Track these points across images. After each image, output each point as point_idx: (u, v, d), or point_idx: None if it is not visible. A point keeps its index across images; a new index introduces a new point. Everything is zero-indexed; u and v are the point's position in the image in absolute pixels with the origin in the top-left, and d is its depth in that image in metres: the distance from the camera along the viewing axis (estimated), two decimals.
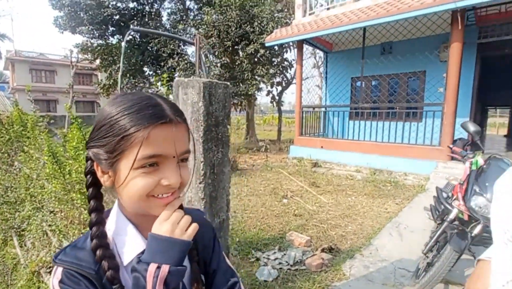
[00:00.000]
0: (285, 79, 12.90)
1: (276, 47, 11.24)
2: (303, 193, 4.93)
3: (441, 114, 5.59)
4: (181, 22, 14.52)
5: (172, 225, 0.54)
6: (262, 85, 12.44)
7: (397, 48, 7.36)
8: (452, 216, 2.20)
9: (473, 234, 2.06)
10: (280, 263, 2.80)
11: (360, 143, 6.70)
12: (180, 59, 13.28)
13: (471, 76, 6.54)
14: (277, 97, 12.97)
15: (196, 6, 15.71)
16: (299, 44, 7.79)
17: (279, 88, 13.02)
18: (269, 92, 12.77)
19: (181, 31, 14.17)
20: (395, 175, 5.83)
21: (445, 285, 2.38)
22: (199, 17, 14.41)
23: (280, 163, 7.76)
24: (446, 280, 2.41)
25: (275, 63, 12.00)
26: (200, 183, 1.72)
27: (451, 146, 2.69)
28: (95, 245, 0.54)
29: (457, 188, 2.32)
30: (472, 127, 2.34)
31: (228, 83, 1.91)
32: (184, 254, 0.54)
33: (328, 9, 7.65)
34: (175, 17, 15.69)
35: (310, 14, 7.93)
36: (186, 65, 12.13)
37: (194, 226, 0.57)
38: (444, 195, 2.56)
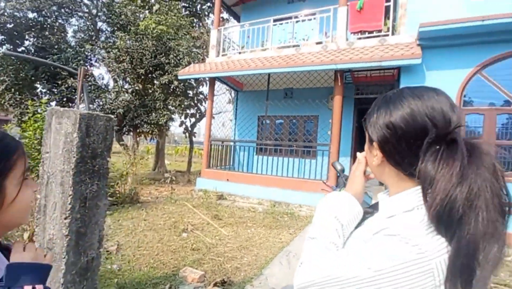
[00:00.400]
0: (199, 111, 13.08)
1: (192, 80, 11.45)
2: (205, 226, 4.87)
3: (328, 153, 6.54)
4: (90, 42, 13.45)
5: (34, 253, 0.63)
6: (176, 115, 12.29)
7: (296, 93, 8.47)
8: None
9: None
10: None
11: (263, 177, 7.16)
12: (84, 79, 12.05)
13: (350, 123, 7.97)
14: (189, 128, 12.94)
15: (109, 29, 14.89)
16: (212, 81, 8.16)
17: (193, 119, 13.08)
18: (182, 123, 12.66)
19: (89, 51, 13.06)
20: (292, 207, 6.39)
21: None
22: (110, 40, 13.64)
23: (187, 195, 7.55)
24: None
25: (190, 95, 12.13)
26: (65, 218, 1.56)
27: (324, 181, 3.16)
28: None
29: None
30: (338, 166, 2.82)
31: (112, 116, 1.85)
32: (47, 276, 0.63)
33: (239, 53, 8.36)
34: (82, 35, 14.46)
35: (223, 55, 8.49)
36: (90, 87, 11.08)
37: (51, 253, 0.72)
38: None
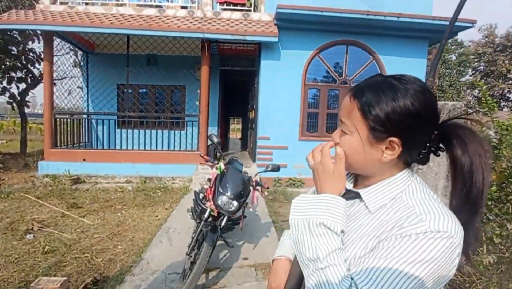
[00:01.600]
0: (31, 75, 9.97)
1: (16, 33, 8.54)
2: (59, 220, 4.04)
3: (197, 123, 6.57)
4: None
5: None
6: None
7: (161, 61, 7.83)
8: (206, 215, 2.60)
9: (221, 226, 2.56)
10: None
11: (129, 152, 6.48)
12: None
13: (217, 95, 8.19)
14: (18, 97, 9.78)
15: None
16: (48, 36, 6.33)
17: (23, 85, 9.89)
18: (4, 90, 9.39)
19: None
20: (165, 180, 6.18)
21: (206, 274, 2.78)
22: None
23: (25, 185, 5.94)
24: (207, 269, 2.83)
25: (14, 52, 9.02)
26: None
27: (202, 154, 3.19)
28: None
29: (208, 191, 2.78)
30: (215, 139, 2.90)
31: None
32: None
33: (86, 4, 6.77)
34: None
35: (62, 3, 6.66)
36: None
37: None
38: (201, 196, 3.00)
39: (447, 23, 6.16)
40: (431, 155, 0.69)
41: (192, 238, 2.67)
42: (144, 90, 8.11)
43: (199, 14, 6.46)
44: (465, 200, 0.62)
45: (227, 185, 2.61)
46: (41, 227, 3.73)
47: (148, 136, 6.78)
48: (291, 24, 6.17)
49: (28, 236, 3.47)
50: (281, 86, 6.43)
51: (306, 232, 0.63)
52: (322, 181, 0.67)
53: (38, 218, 4.07)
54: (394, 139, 0.62)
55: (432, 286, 0.56)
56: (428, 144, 0.67)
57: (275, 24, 6.20)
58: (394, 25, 6.14)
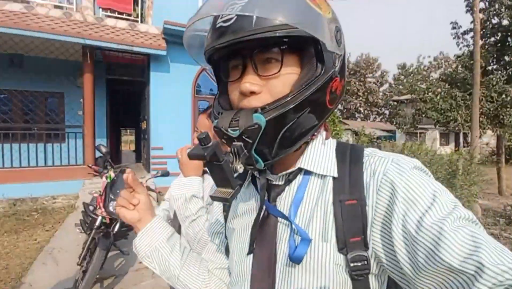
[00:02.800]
0: None
1: None
2: None
3: (82, 135, 6.07)
4: None
5: None
6: None
7: (30, 63, 6.79)
8: (98, 222, 2.68)
9: (114, 232, 2.69)
10: None
11: None
12: None
13: (104, 104, 7.69)
14: None
15: None
16: None
17: None
18: None
19: None
20: (42, 201, 5.46)
21: (100, 283, 2.83)
22: None
23: None
24: (101, 278, 2.87)
25: None
26: None
27: (90, 165, 3.20)
28: None
29: (99, 199, 2.85)
30: (104, 149, 2.99)
31: None
32: None
33: None
34: None
35: None
36: None
37: None
38: (91, 208, 3.00)
39: None
40: None
41: (83, 248, 2.69)
42: (5, 95, 6.84)
43: (79, 18, 6.03)
44: None
45: (117, 191, 2.76)
46: None
47: (15, 150, 5.78)
48: (179, 40, 6.51)
49: None
50: (172, 97, 6.66)
51: (183, 200, 1.04)
52: (184, 170, 1.10)
53: None
54: None
55: None
56: None
57: (163, 38, 6.42)
58: None
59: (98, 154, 5.72)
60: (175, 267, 0.65)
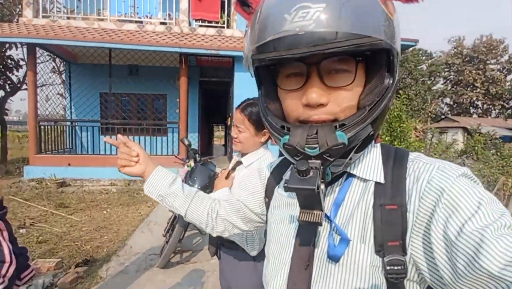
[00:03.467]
0: (9, 82, 10.14)
1: None
2: (49, 217, 4.47)
3: (178, 130, 7.11)
4: None
5: None
6: None
7: (143, 71, 8.32)
8: None
9: None
10: None
11: (113, 157, 6.91)
12: None
13: (196, 103, 8.76)
14: None
15: None
16: (32, 49, 6.72)
17: (1, 92, 10.04)
18: None
19: None
20: None
21: (180, 254, 3.34)
22: None
23: (11, 189, 6.24)
24: (181, 250, 3.40)
25: None
26: None
27: (175, 155, 3.77)
28: None
29: None
30: (186, 141, 3.49)
31: None
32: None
33: (68, 18, 7.21)
34: None
35: (44, 17, 7.06)
36: None
37: None
38: None
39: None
40: None
41: (168, 223, 3.24)
42: (126, 98, 8.57)
43: (177, 30, 7.05)
44: None
45: (195, 178, 3.20)
46: (32, 223, 4.16)
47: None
48: None
49: (21, 230, 3.91)
50: (252, 96, 7.06)
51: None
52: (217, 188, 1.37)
53: (29, 216, 4.48)
54: (266, 130, 1.26)
55: None
56: None
57: None
58: None
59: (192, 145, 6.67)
60: (181, 208, 0.79)
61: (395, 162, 0.53)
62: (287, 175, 0.65)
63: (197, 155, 3.73)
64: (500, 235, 0.38)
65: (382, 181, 0.51)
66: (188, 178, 3.19)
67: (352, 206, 0.52)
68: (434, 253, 0.43)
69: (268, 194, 0.69)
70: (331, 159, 0.46)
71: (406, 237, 0.47)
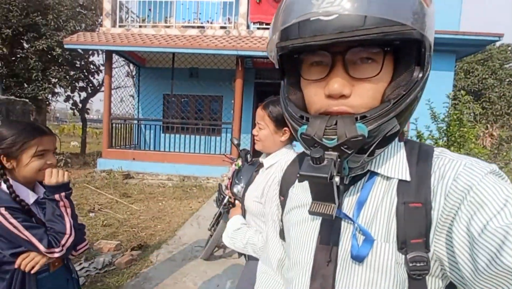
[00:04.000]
0: (91, 84, 11.69)
1: (79, 49, 10.19)
2: (114, 205, 4.94)
3: (231, 130, 7.29)
4: None
5: (57, 177, 1.09)
6: (59, 89, 10.64)
7: (202, 73, 8.78)
8: (225, 200, 3.20)
9: None
10: (87, 271, 2.86)
11: (171, 154, 7.41)
12: None
13: (251, 104, 8.90)
14: (79, 104, 11.50)
15: None
16: (109, 54, 7.61)
17: (83, 94, 11.62)
18: (69, 98, 11.09)
19: None
20: (200, 179, 6.95)
21: (224, 249, 3.37)
22: None
23: (86, 178, 7.10)
24: (224, 245, 3.41)
25: (78, 65, 10.70)
26: None
27: (225, 154, 3.83)
28: (11, 191, 1.04)
29: (228, 182, 3.39)
30: (235, 141, 3.52)
31: (27, 100, 1.95)
32: (68, 187, 1.14)
33: (140, 26, 7.99)
34: None
35: (120, 26, 7.94)
36: None
37: (67, 174, 1.14)
38: (223, 187, 3.61)
39: (473, 37, 6.25)
40: None
41: (213, 218, 3.28)
42: (186, 99, 9.13)
43: (235, 33, 7.27)
44: None
45: (241, 177, 3.17)
46: (100, 208, 4.64)
47: (188, 140, 7.67)
48: None
49: (91, 214, 4.38)
50: None
51: (241, 246, 1.26)
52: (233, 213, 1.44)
53: (98, 202, 5.02)
54: (286, 128, 1.20)
55: None
56: None
57: None
58: None
59: (243, 145, 6.79)
60: None
61: (419, 158, 0.51)
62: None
63: (248, 155, 3.74)
64: None
65: (408, 178, 0.49)
66: (235, 177, 3.20)
67: (376, 205, 0.50)
68: (455, 249, 0.42)
69: (283, 192, 0.67)
70: (349, 152, 0.44)
71: (430, 234, 0.46)
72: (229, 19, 7.77)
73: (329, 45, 0.42)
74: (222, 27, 7.68)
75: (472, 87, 15.50)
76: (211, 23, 7.67)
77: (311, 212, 0.47)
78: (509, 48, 16.47)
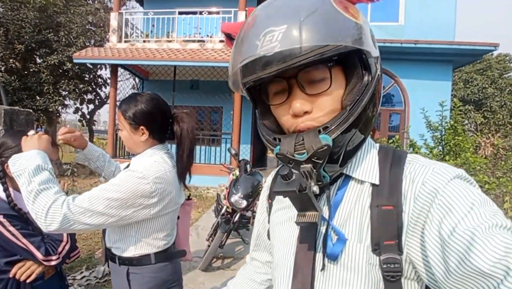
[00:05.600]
0: (98, 97, 12.04)
1: (88, 63, 10.52)
2: None
3: (230, 141, 7.44)
4: None
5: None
6: (68, 101, 11.01)
7: (202, 85, 9.01)
8: (223, 210, 3.32)
9: (234, 221, 3.24)
10: (87, 280, 2.97)
11: None
12: None
13: (250, 115, 9.06)
14: (87, 116, 11.83)
15: None
16: (114, 68, 7.88)
17: (91, 106, 11.97)
18: (78, 109, 11.45)
19: None
20: (200, 189, 7.08)
21: (222, 260, 3.46)
22: None
23: (91, 187, 7.24)
24: (223, 256, 3.51)
25: (86, 78, 11.05)
26: None
27: (223, 164, 3.96)
28: (10, 200, 1.09)
29: (225, 192, 3.51)
30: (232, 151, 3.66)
31: (31, 110, 2.11)
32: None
33: (144, 41, 8.28)
34: None
35: (125, 42, 8.23)
36: None
37: (65, 183, 1.20)
38: (222, 198, 3.73)
39: (468, 47, 6.39)
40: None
41: (211, 228, 3.40)
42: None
43: None
44: (179, 152, 1.20)
45: (238, 187, 3.31)
46: None
47: None
48: None
49: None
50: None
51: (26, 175, 0.97)
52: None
53: None
54: (143, 127, 1.14)
55: None
56: (167, 127, 1.21)
57: None
58: (414, 51, 6.50)
59: (242, 156, 6.91)
60: None
61: (392, 163, 0.54)
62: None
63: (247, 166, 3.87)
64: (491, 234, 0.39)
65: (377, 182, 0.53)
66: (232, 186, 3.32)
67: (349, 207, 0.54)
68: (427, 252, 0.45)
69: (271, 196, 0.72)
70: (320, 162, 0.48)
71: (402, 236, 0.48)
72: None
73: (281, 73, 0.47)
74: (221, 41, 7.91)
75: (472, 97, 15.51)
76: (211, 37, 7.92)
77: (297, 223, 0.50)
78: (507, 58, 16.54)
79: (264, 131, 0.57)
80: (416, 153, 2.82)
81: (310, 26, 0.45)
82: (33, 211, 0.93)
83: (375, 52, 0.52)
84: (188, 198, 1.40)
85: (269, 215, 0.72)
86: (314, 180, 0.48)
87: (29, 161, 0.97)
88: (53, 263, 1.13)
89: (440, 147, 3.38)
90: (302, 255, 0.56)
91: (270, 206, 0.72)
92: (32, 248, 1.08)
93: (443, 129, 3.30)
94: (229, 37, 0.62)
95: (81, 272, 3.09)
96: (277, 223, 0.66)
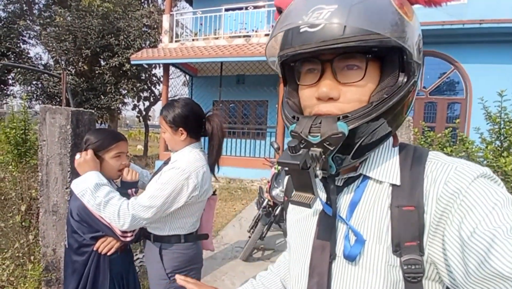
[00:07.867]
0: (153, 94, 12.99)
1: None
2: None
3: (275, 134, 7.43)
4: (23, 17, 12.27)
5: (132, 176, 1.41)
6: (127, 99, 12.09)
7: (248, 80, 9.12)
8: (264, 203, 3.34)
9: (275, 214, 3.24)
10: (141, 262, 3.24)
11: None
12: (18, 60, 11.18)
13: None
14: (143, 112, 12.85)
15: (43, 1, 13.64)
16: (166, 67, 8.38)
17: (147, 103, 12.97)
18: (135, 106, 12.51)
19: (22, 27, 11.97)
20: (245, 182, 7.22)
21: (263, 251, 3.50)
22: (47, 15, 12.56)
23: None
24: (263, 248, 3.55)
25: (143, 77, 11.98)
26: (66, 188, 2.09)
27: (265, 157, 3.96)
28: None
29: (268, 185, 3.51)
30: (275, 145, 3.64)
31: (93, 111, 2.34)
32: (136, 185, 1.43)
33: (193, 40, 8.65)
34: (12, 8, 13.06)
35: (176, 41, 8.69)
36: (24, 70, 10.18)
37: (137, 174, 1.44)
38: (264, 191, 3.75)
39: None
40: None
41: (253, 220, 3.44)
42: (233, 105, 9.56)
43: None
44: (211, 149, 1.39)
45: (280, 180, 3.29)
46: None
47: (234, 144, 8.02)
48: None
49: None
50: None
51: (89, 193, 1.21)
52: (82, 168, 1.33)
53: None
54: (181, 129, 1.33)
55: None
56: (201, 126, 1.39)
57: None
58: (477, 32, 5.70)
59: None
60: None
61: (413, 162, 0.52)
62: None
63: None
64: None
65: (397, 183, 0.51)
66: (274, 180, 3.32)
67: (368, 207, 0.53)
68: (447, 252, 0.44)
69: (288, 193, 0.71)
70: (331, 148, 0.47)
71: (424, 237, 0.47)
72: (272, 26, 7.94)
73: (319, 54, 0.48)
74: (266, 35, 7.89)
75: None
76: (256, 31, 7.93)
77: (290, 201, 0.50)
78: None
79: (285, 109, 0.57)
80: (467, 149, 2.56)
81: (360, 11, 0.44)
82: (106, 218, 1.20)
83: (419, 59, 0.51)
84: (214, 193, 1.55)
85: (286, 213, 0.71)
86: (320, 166, 0.48)
87: (86, 183, 1.22)
88: (128, 239, 1.32)
89: (497, 142, 2.97)
90: (318, 253, 0.55)
91: (286, 204, 0.71)
92: (113, 226, 1.26)
93: (502, 122, 2.87)
94: (280, 11, 0.60)
95: (136, 254, 3.39)
96: (294, 221, 0.65)
